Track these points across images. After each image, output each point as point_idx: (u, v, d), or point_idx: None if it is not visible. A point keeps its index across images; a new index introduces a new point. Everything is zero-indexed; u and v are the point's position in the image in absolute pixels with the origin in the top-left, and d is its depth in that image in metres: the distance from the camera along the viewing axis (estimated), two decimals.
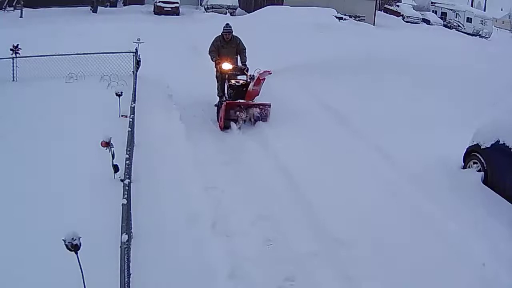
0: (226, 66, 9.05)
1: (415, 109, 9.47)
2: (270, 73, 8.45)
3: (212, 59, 9.18)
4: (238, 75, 9.07)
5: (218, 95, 9.36)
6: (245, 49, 9.35)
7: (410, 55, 13.12)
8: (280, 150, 7.47)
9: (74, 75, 10.82)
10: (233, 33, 9.31)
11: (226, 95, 9.03)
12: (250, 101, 8.69)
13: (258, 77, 8.40)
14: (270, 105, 8.66)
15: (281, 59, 11.10)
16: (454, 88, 10.74)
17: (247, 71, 9.03)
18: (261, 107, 8.65)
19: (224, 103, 8.55)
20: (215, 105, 9.35)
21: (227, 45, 9.25)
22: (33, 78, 10.61)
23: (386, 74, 11.37)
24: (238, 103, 8.58)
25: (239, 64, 9.29)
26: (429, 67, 11.99)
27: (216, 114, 9.09)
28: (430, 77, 11.42)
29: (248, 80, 8.81)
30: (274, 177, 6.75)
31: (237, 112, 8.54)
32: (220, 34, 9.29)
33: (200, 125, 8.69)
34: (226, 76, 9.02)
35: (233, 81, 8.89)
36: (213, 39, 9.34)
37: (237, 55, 9.35)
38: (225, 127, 8.51)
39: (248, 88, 8.67)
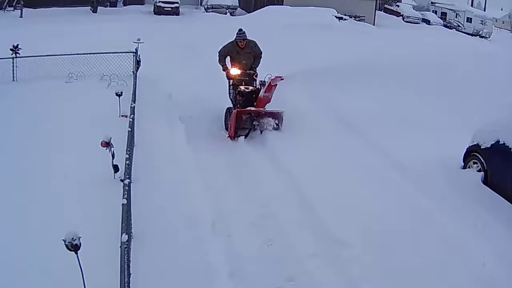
0: (234, 71, 8.59)
1: (419, 112, 9.40)
2: (282, 79, 8.02)
3: (219, 62, 8.71)
4: (247, 80, 8.58)
5: (230, 98, 8.82)
6: (261, 53, 8.75)
7: (413, 58, 13.09)
8: (281, 151, 7.47)
9: (74, 75, 10.85)
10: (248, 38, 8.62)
11: (234, 101, 8.59)
12: (262, 109, 8.22)
13: (270, 83, 7.96)
14: (283, 113, 8.21)
15: (283, 60, 11.08)
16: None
17: (256, 76, 8.60)
18: (273, 115, 8.17)
19: (234, 111, 8.04)
20: (225, 113, 8.73)
21: (242, 51, 8.61)
22: (33, 78, 10.64)
23: (385, 76, 11.35)
24: (249, 111, 8.12)
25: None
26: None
27: (224, 120, 8.60)
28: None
29: (259, 86, 8.40)
30: (275, 178, 6.74)
31: (248, 121, 8.11)
32: (234, 39, 8.61)
33: (199, 125, 8.66)
34: (235, 82, 8.59)
35: (242, 87, 8.39)
36: (227, 42, 8.72)
37: (253, 61, 8.76)
38: (235, 136, 8.05)
39: (259, 95, 8.22)
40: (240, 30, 8.65)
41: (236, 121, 7.98)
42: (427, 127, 8.47)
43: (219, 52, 8.70)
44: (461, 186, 6.37)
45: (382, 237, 5.18)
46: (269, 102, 8.33)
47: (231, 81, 8.70)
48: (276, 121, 8.16)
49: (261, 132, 8.19)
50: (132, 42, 11.35)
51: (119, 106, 8.27)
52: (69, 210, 5.19)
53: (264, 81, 8.18)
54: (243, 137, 8.08)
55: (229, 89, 8.78)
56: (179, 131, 8.27)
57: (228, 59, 8.76)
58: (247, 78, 8.60)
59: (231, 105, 8.63)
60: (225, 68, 8.66)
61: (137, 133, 7.21)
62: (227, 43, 8.74)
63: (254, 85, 8.55)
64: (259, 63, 8.77)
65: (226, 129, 8.37)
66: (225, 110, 8.63)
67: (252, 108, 8.17)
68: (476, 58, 13.55)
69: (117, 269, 3.32)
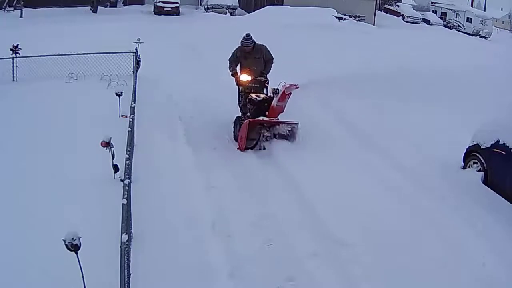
0: (244, 77, 8.06)
1: (420, 112, 9.38)
2: (297, 87, 7.57)
3: (229, 69, 8.24)
4: (258, 88, 8.08)
5: (239, 106, 8.32)
6: (272, 59, 8.24)
7: (413, 59, 13.10)
8: (279, 151, 7.45)
9: (74, 75, 10.85)
10: (256, 42, 8.15)
11: (243, 110, 8.10)
12: (275, 119, 7.68)
13: (283, 91, 7.43)
14: (297, 123, 7.68)
15: (283, 61, 11.02)
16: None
17: (267, 83, 8.11)
18: (287, 125, 7.61)
19: (246, 121, 7.46)
20: (234, 122, 8.20)
21: (249, 56, 8.10)
22: (33, 78, 10.65)
23: (384, 77, 11.36)
24: (261, 121, 7.56)
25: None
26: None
27: (233, 131, 8.11)
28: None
29: (271, 94, 7.84)
30: (275, 177, 6.74)
31: (261, 132, 7.54)
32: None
33: (200, 125, 8.64)
34: (245, 89, 8.08)
35: (253, 95, 7.85)
36: (235, 48, 8.24)
37: (264, 66, 8.24)
38: (246, 148, 7.52)
39: (272, 104, 7.67)
40: (247, 35, 8.09)
41: (247, 131, 7.43)
42: (427, 127, 8.46)
43: (229, 60, 8.27)
44: (461, 186, 6.37)
45: (382, 237, 5.18)
46: (283, 112, 7.84)
47: (240, 88, 8.22)
48: (291, 133, 7.65)
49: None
50: (132, 42, 11.36)
51: (119, 106, 8.27)
52: (69, 210, 5.18)
53: (278, 89, 7.66)
54: (255, 148, 7.60)
55: (239, 96, 8.31)
56: (179, 131, 8.26)
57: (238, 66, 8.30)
58: (258, 85, 8.11)
59: (240, 114, 8.15)
60: (234, 74, 8.19)
61: (137, 133, 7.21)
62: (234, 49, 8.28)
63: (266, 92, 8.08)
64: (270, 69, 8.27)
65: (235, 139, 7.87)
66: (234, 119, 8.13)
67: (265, 118, 7.62)
68: (475, 56, 13.56)
69: (117, 269, 3.32)
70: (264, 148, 7.63)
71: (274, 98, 7.67)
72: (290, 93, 7.57)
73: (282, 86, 7.54)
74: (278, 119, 7.78)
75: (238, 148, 7.60)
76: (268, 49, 8.29)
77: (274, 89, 7.81)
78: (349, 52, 15.80)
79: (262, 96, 7.92)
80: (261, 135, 7.60)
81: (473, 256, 4.89)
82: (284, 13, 24.00)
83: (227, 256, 4.79)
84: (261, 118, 7.63)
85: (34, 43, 12.24)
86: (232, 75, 8.23)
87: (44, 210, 5.23)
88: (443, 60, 15.30)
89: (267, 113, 7.76)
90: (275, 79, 8.01)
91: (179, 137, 7.98)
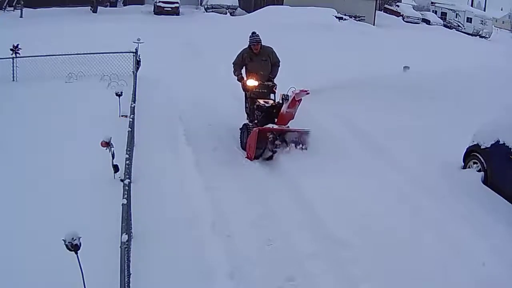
0: (251, 82, 7.73)
1: (419, 113, 9.37)
2: (308, 93, 7.09)
3: (234, 73, 7.97)
4: (266, 93, 7.76)
5: (246, 112, 8.05)
6: (278, 62, 7.95)
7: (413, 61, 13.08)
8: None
9: (74, 75, 10.86)
10: (262, 44, 7.85)
11: (251, 117, 7.80)
12: (285, 127, 7.32)
13: (294, 97, 7.05)
14: (309, 132, 7.31)
15: (284, 63, 11.00)
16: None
17: (275, 88, 7.78)
18: (298, 133, 7.25)
19: (255, 129, 7.07)
20: (240, 129, 7.79)
21: (256, 58, 7.80)
22: (33, 78, 10.65)
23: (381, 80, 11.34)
24: (271, 129, 7.16)
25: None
26: None
27: (239, 138, 7.79)
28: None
29: (280, 100, 7.44)
30: (274, 177, 6.74)
31: (271, 140, 7.09)
32: (247, 46, 7.86)
33: (200, 125, 8.65)
34: (252, 94, 7.77)
35: (261, 101, 7.52)
36: (240, 50, 7.96)
37: (270, 70, 7.94)
38: (255, 157, 7.18)
39: (281, 111, 7.30)
40: (253, 33, 7.86)
41: (257, 140, 7.05)
42: (428, 127, 8.46)
43: (233, 63, 8.00)
44: (461, 186, 6.37)
45: (382, 237, 5.17)
46: (293, 119, 7.42)
47: (247, 93, 7.92)
48: (302, 141, 7.27)
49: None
50: (132, 42, 11.37)
51: (119, 106, 8.28)
52: (69, 210, 5.18)
53: (287, 95, 7.24)
54: (266, 158, 7.24)
55: (246, 102, 8.04)
56: (179, 131, 8.26)
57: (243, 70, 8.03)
58: (265, 91, 7.78)
59: (247, 121, 7.83)
60: (240, 79, 7.91)
61: (137, 133, 7.21)
62: (240, 51, 7.99)
63: (273, 98, 7.74)
64: (276, 72, 7.96)
65: (243, 148, 7.54)
66: (240, 127, 7.76)
67: (275, 126, 7.25)
68: (475, 56, 13.56)
69: (117, 269, 3.32)
70: (270, 158, 7.25)
71: (284, 105, 7.28)
72: (301, 99, 7.17)
73: (292, 91, 7.14)
74: (288, 126, 7.40)
75: (246, 157, 7.29)
76: (275, 51, 8.02)
77: (283, 95, 7.36)
78: (350, 52, 15.81)
79: (271, 102, 7.59)
80: (275, 146, 7.12)
81: (473, 256, 4.88)
82: (284, 13, 24.02)
83: (227, 256, 4.79)
84: (270, 125, 7.26)
85: (34, 43, 12.25)
86: (238, 80, 7.96)
87: (44, 210, 5.23)
88: (443, 60, 15.33)
89: (276, 120, 7.41)
90: (278, 82, 7.95)
91: (179, 137, 7.98)
